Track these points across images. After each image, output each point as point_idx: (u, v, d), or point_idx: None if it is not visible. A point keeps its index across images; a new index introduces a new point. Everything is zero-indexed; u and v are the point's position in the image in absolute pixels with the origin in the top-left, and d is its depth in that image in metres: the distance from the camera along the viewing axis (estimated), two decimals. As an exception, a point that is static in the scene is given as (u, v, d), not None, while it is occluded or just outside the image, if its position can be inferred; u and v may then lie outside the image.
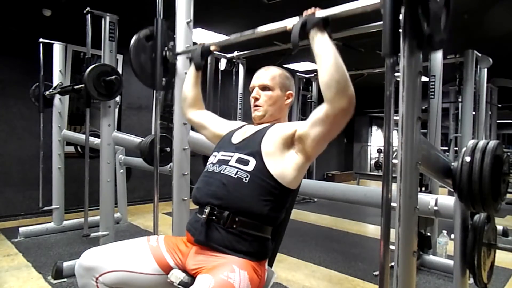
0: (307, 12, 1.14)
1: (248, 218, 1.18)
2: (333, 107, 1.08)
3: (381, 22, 0.90)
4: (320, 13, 1.11)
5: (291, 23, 1.17)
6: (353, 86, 1.08)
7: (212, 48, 1.54)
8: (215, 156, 1.33)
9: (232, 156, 1.26)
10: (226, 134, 1.43)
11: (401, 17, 0.88)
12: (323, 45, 1.08)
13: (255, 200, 1.18)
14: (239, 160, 1.24)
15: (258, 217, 1.19)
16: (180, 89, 1.79)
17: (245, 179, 1.19)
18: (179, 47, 1.79)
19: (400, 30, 0.89)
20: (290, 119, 1.46)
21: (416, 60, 0.93)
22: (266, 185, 1.19)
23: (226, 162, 1.26)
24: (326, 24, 1.10)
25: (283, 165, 1.22)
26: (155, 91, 1.89)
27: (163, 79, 1.78)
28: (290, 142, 1.23)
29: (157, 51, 1.74)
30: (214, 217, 1.18)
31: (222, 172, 1.24)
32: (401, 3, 0.84)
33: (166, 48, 1.76)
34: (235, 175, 1.21)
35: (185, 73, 1.79)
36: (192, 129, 1.95)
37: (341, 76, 1.06)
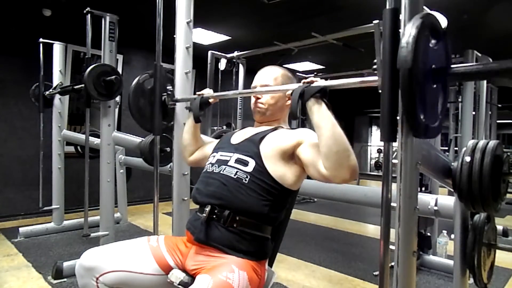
0: (305, 81, 1.14)
1: (248, 218, 1.18)
2: (332, 177, 1.07)
3: (379, 20, 0.91)
4: (319, 83, 1.11)
5: (290, 89, 1.18)
6: (356, 177, 1.07)
7: (211, 100, 1.51)
8: (214, 156, 1.33)
9: (231, 157, 1.26)
10: (226, 135, 1.43)
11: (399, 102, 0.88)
12: (320, 116, 1.08)
13: (255, 200, 1.18)
14: (238, 161, 1.24)
15: (258, 216, 1.19)
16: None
17: (245, 180, 1.19)
18: (178, 94, 1.79)
19: (398, 118, 0.90)
20: (290, 120, 1.46)
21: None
22: (266, 185, 1.19)
23: (225, 162, 1.26)
24: (324, 95, 1.10)
25: (284, 170, 1.22)
26: (155, 91, 1.89)
27: (163, 122, 1.81)
28: (290, 154, 1.22)
29: (156, 97, 1.75)
30: (214, 216, 1.19)
31: (221, 172, 1.24)
32: (398, 87, 0.84)
33: (164, 94, 1.77)
34: (234, 175, 1.21)
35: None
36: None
37: (339, 147, 1.04)
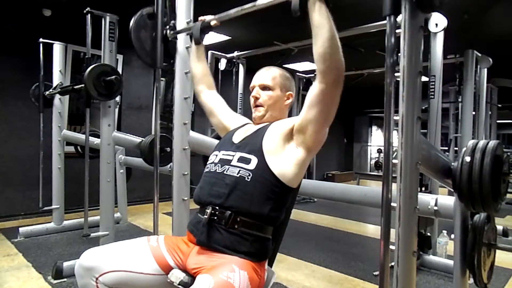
0: None
1: (249, 218, 1.18)
2: (326, 80, 1.10)
3: (380, 22, 0.90)
4: None
5: None
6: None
7: (212, 23, 1.54)
8: (216, 155, 1.33)
9: (233, 156, 1.27)
10: (228, 133, 1.43)
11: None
12: (321, 16, 1.07)
13: (256, 198, 1.18)
14: (241, 159, 1.24)
15: (259, 216, 1.19)
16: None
17: (247, 178, 1.19)
18: (180, 25, 1.79)
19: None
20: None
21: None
22: (267, 183, 1.19)
23: (228, 162, 1.26)
24: None
25: (284, 161, 1.22)
26: (155, 88, 1.88)
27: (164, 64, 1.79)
28: (289, 136, 1.24)
29: (157, 29, 1.74)
30: (215, 217, 1.18)
31: (225, 172, 1.24)
32: None
33: (167, 27, 1.76)
34: (237, 174, 1.21)
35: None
36: (192, 127, 1.96)
37: (334, 49, 1.07)
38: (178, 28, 1.77)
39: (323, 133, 1.21)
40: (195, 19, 1.80)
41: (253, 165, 1.21)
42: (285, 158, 1.22)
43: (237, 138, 1.35)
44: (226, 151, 1.31)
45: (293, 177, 1.23)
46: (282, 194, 1.22)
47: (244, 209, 1.18)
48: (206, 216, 1.18)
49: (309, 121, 1.18)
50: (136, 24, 1.77)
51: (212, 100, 1.60)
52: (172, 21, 1.78)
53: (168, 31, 1.76)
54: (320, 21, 1.07)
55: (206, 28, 1.53)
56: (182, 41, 1.81)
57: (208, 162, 1.35)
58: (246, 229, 1.18)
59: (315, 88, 1.13)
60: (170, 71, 1.85)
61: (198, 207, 1.28)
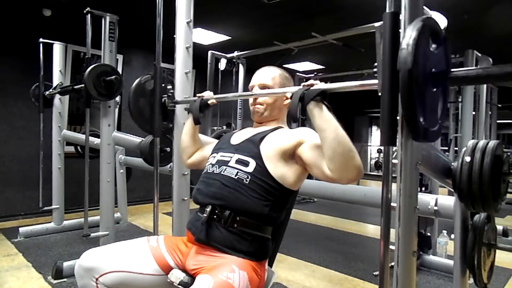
0: (305, 84, 1.13)
1: (249, 218, 1.18)
2: (338, 178, 1.07)
3: (380, 23, 0.91)
4: (319, 86, 1.11)
5: (290, 91, 1.17)
6: (360, 176, 1.07)
7: (210, 102, 1.50)
8: (214, 157, 1.33)
9: (231, 157, 1.27)
10: (225, 136, 1.43)
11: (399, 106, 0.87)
12: (322, 120, 1.07)
13: (256, 200, 1.18)
14: (239, 161, 1.24)
15: (259, 217, 1.19)
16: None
17: (246, 180, 1.19)
18: (178, 95, 1.79)
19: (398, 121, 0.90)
20: (289, 121, 1.46)
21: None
22: (266, 186, 1.19)
23: (225, 163, 1.26)
24: (324, 98, 1.09)
25: (284, 170, 1.22)
26: (155, 91, 1.89)
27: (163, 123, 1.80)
28: (291, 154, 1.22)
29: (156, 98, 1.75)
30: (215, 216, 1.19)
31: (222, 173, 1.24)
32: (398, 90, 0.84)
33: (165, 96, 1.76)
34: (235, 176, 1.21)
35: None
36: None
37: (343, 148, 1.04)
38: (177, 98, 1.77)
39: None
40: (195, 21, 1.80)
41: (251, 168, 1.21)
42: (285, 168, 1.22)
43: (235, 140, 1.35)
44: (224, 153, 1.31)
45: (293, 183, 1.23)
46: (281, 196, 1.22)
47: (244, 209, 1.18)
48: (206, 215, 1.18)
49: (311, 169, 1.16)
50: (134, 95, 1.79)
51: (198, 157, 1.54)
52: (170, 90, 1.78)
53: (166, 100, 1.76)
54: (321, 125, 1.07)
55: (204, 106, 1.51)
56: (182, 39, 1.81)
57: (206, 164, 1.35)
58: (246, 228, 1.18)
59: (324, 172, 1.09)
60: (170, 71, 1.85)
61: (198, 207, 1.28)
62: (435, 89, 0.89)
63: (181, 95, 1.80)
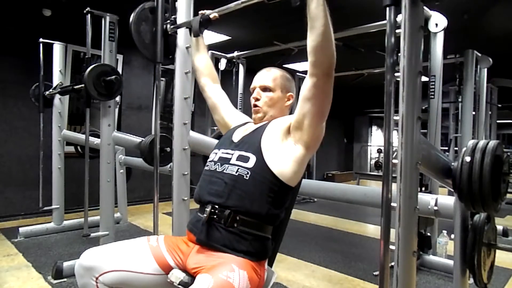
0: None
1: (248, 217, 1.18)
2: (317, 72, 1.12)
3: (380, 22, 0.91)
4: None
5: None
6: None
7: (211, 16, 1.54)
8: (216, 153, 1.34)
9: (232, 154, 1.27)
10: (228, 131, 1.44)
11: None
12: (317, 7, 1.08)
13: (255, 197, 1.18)
14: (240, 157, 1.25)
15: (259, 215, 1.19)
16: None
17: (246, 176, 1.20)
18: (180, 19, 1.79)
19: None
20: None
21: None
22: (266, 181, 1.20)
23: (227, 161, 1.26)
24: None
25: (283, 159, 1.22)
26: (155, 87, 1.88)
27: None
28: (287, 134, 1.25)
29: (157, 23, 1.74)
30: (215, 216, 1.19)
31: (224, 171, 1.24)
32: None
33: (167, 22, 1.77)
34: (236, 172, 1.22)
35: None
36: (192, 127, 1.96)
37: (328, 42, 1.09)
38: (178, 22, 1.77)
39: (319, 128, 1.21)
40: (195, 14, 1.81)
41: (251, 163, 1.21)
42: (283, 156, 1.23)
43: (236, 137, 1.35)
44: (226, 150, 1.32)
45: (292, 176, 1.23)
46: (281, 193, 1.23)
47: (244, 208, 1.18)
48: (206, 215, 1.18)
49: (304, 116, 1.18)
50: (137, 17, 1.77)
51: (216, 94, 1.60)
52: (173, 16, 1.79)
53: (168, 26, 1.77)
54: (317, 12, 1.08)
55: (206, 21, 1.54)
56: (182, 38, 1.81)
57: (208, 160, 1.36)
58: (245, 228, 1.18)
59: (307, 82, 1.16)
60: (170, 71, 1.85)
61: (198, 207, 1.29)
62: None
63: (181, 94, 1.80)
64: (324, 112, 1.18)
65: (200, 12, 1.57)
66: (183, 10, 1.80)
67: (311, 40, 1.10)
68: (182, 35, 1.81)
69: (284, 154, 1.23)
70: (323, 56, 1.10)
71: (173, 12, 1.80)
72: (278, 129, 1.27)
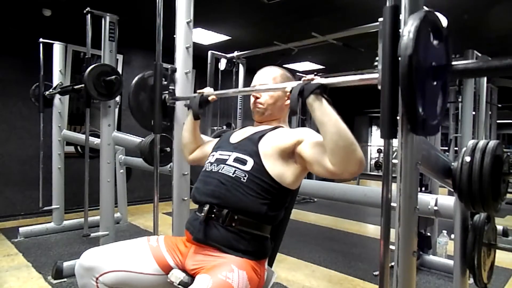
0: (305, 79, 1.12)
1: (247, 217, 1.18)
2: (341, 172, 1.06)
3: (381, 19, 0.91)
4: (318, 80, 1.10)
5: (289, 86, 1.16)
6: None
7: (210, 98, 1.49)
8: (213, 155, 1.33)
9: (229, 156, 1.27)
10: (225, 135, 1.43)
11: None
12: (322, 113, 1.06)
13: (253, 199, 1.18)
14: (237, 159, 1.24)
15: (257, 215, 1.19)
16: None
17: (243, 179, 1.19)
18: (178, 93, 1.79)
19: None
20: (290, 120, 1.46)
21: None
22: (264, 184, 1.19)
23: (223, 161, 1.26)
24: (323, 91, 1.08)
25: (283, 169, 1.21)
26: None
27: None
28: (290, 153, 1.21)
29: (156, 95, 1.75)
30: (213, 215, 1.19)
31: (220, 171, 1.24)
32: (398, 84, 0.83)
33: (166, 92, 1.76)
34: (232, 174, 1.21)
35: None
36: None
37: (345, 142, 1.03)
38: (177, 95, 1.77)
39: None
40: (195, 21, 1.80)
41: (249, 166, 1.21)
42: (283, 167, 1.22)
43: (234, 139, 1.35)
44: (223, 151, 1.31)
45: (292, 182, 1.23)
46: (280, 195, 1.22)
47: (242, 208, 1.18)
48: (204, 214, 1.18)
49: (317, 165, 1.13)
50: (136, 86, 1.78)
51: (199, 154, 1.55)
52: (171, 86, 1.77)
53: (167, 96, 1.76)
54: (322, 119, 1.06)
55: (204, 102, 1.50)
56: (182, 39, 1.81)
57: (205, 162, 1.36)
58: (244, 227, 1.18)
59: (326, 167, 1.08)
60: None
61: (197, 207, 1.28)
62: (435, 83, 0.89)
63: (182, 94, 1.80)
64: None
65: (198, 91, 1.54)
66: (183, 25, 1.80)
67: (326, 142, 1.06)
68: (182, 36, 1.81)
69: (284, 167, 1.22)
70: (346, 158, 1.04)
71: (172, 82, 1.79)
72: (279, 144, 1.22)
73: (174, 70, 1.80)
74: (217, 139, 1.51)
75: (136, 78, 1.80)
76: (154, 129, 1.79)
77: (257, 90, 1.36)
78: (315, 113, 1.08)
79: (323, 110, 1.07)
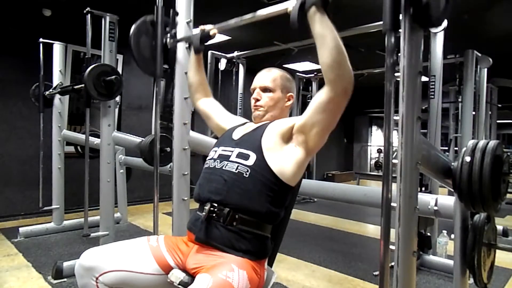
0: None
1: (248, 216, 1.18)
2: (336, 89, 1.09)
3: (380, 23, 0.91)
4: None
5: (291, 5, 1.15)
6: (353, 86, 1.09)
7: (211, 32, 1.53)
8: (215, 151, 1.33)
9: (232, 151, 1.27)
10: (228, 130, 1.43)
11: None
12: (322, 26, 1.06)
13: (255, 195, 1.18)
14: (240, 155, 1.24)
15: (258, 214, 1.19)
16: (180, 77, 1.80)
17: (246, 174, 1.20)
18: (180, 34, 1.78)
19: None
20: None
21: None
22: (266, 180, 1.19)
23: (227, 158, 1.26)
24: (325, 4, 1.07)
25: (283, 159, 1.22)
26: (155, 89, 1.88)
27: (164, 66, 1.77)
28: (289, 136, 1.24)
29: (157, 37, 1.73)
30: (214, 214, 1.19)
31: (223, 168, 1.24)
32: None
33: (168, 35, 1.75)
34: (235, 170, 1.21)
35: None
36: (192, 127, 1.96)
37: (342, 57, 1.06)
38: (179, 36, 1.77)
39: (325, 137, 1.21)
40: (195, 21, 1.80)
41: (251, 161, 1.21)
42: (284, 157, 1.23)
43: (236, 135, 1.35)
44: (225, 147, 1.31)
45: (292, 176, 1.23)
46: (280, 192, 1.23)
47: (243, 206, 1.18)
48: (205, 213, 1.18)
49: (314, 125, 1.18)
50: (137, 29, 1.75)
51: (208, 105, 1.60)
52: (173, 30, 1.77)
53: (168, 39, 1.75)
54: (323, 32, 1.06)
55: (206, 37, 1.53)
56: (182, 52, 1.81)
57: (207, 158, 1.36)
58: (245, 226, 1.18)
59: (324, 95, 1.13)
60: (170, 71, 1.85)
61: (198, 206, 1.28)
62: None
63: (181, 94, 1.80)
64: (333, 125, 1.18)
65: (200, 27, 1.55)
66: (183, 24, 1.80)
67: (323, 58, 1.07)
68: (181, 49, 1.80)
69: (284, 155, 1.23)
70: (340, 73, 1.07)
71: (173, 26, 1.78)
72: (279, 130, 1.26)
73: (176, 14, 1.78)
74: (230, 115, 1.56)
75: (138, 22, 1.76)
76: (155, 74, 1.77)
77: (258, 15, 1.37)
78: (315, 26, 1.07)
79: (324, 23, 1.06)
